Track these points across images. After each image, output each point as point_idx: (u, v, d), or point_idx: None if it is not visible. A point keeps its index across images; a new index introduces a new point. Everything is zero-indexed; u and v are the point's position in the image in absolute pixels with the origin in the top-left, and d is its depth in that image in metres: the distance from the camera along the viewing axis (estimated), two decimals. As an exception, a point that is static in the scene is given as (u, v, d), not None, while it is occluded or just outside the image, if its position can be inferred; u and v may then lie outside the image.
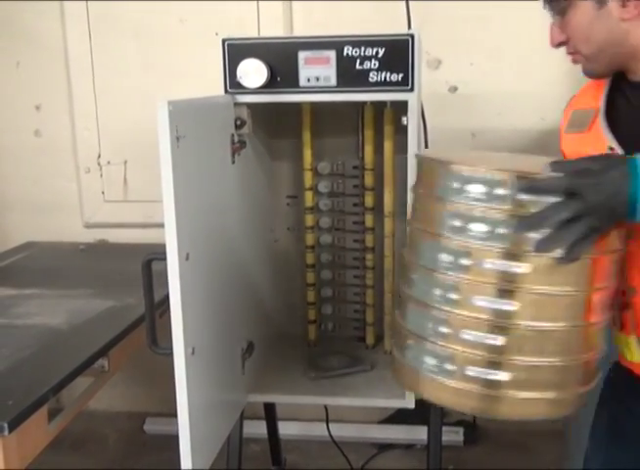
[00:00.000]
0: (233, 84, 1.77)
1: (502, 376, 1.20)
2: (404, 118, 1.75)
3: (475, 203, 1.15)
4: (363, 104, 2.01)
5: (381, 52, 1.71)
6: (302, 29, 2.76)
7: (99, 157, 3.00)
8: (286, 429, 2.70)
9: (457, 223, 1.18)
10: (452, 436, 2.89)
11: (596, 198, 1.02)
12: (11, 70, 3.00)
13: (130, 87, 2.91)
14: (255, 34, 2.72)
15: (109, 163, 2.99)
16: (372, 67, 1.73)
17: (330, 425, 2.47)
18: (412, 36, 1.71)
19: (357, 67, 1.73)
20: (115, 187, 3.01)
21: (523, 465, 2.73)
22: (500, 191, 1.12)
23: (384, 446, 2.91)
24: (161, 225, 1.36)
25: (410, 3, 2.53)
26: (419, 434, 2.77)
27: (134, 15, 2.85)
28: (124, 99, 2.92)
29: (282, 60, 1.74)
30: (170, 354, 1.47)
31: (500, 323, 1.18)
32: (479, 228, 1.14)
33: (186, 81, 2.82)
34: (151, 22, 2.85)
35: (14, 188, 3.10)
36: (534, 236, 1.06)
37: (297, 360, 2.10)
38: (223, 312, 1.69)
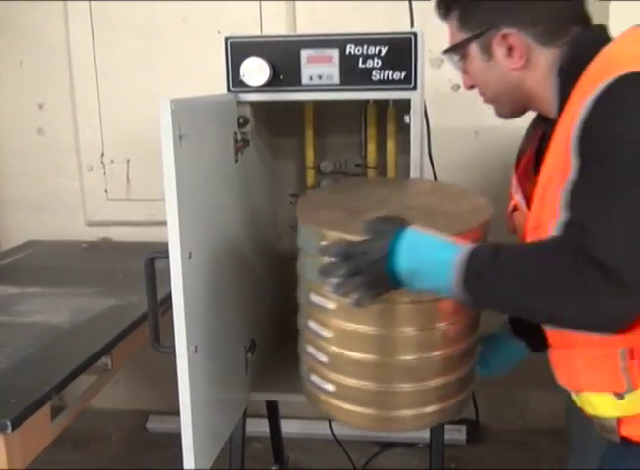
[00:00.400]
0: (236, 83, 1.77)
1: (329, 387, 1.49)
2: (407, 117, 1.75)
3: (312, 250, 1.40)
4: (366, 102, 2.01)
5: (383, 50, 1.71)
6: (305, 28, 2.76)
7: (102, 155, 3.00)
8: (288, 427, 2.70)
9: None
10: (455, 434, 2.89)
11: (361, 264, 1.18)
12: (14, 68, 3.00)
13: (133, 86, 2.91)
14: (258, 33, 2.72)
15: (112, 161, 2.99)
16: (375, 65, 1.73)
17: (332, 423, 2.47)
18: (415, 35, 1.71)
19: (360, 65, 1.73)
20: (118, 185, 3.01)
21: (525, 464, 2.73)
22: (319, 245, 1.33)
23: (386, 445, 2.91)
24: (164, 224, 1.37)
25: (413, 2, 2.53)
26: (421, 432, 2.76)
27: (137, 14, 2.85)
28: (127, 97, 2.92)
29: (284, 58, 1.74)
30: (173, 353, 1.47)
31: (322, 345, 1.48)
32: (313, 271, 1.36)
33: (189, 80, 2.83)
34: (154, 20, 2.85)
35: (17, 186, 3.10)
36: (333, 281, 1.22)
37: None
38: (226, 311, 1.70)
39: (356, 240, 1.22)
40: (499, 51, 1.27)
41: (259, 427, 2.56)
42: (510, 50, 1.26)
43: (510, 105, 1.36)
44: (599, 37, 1.24)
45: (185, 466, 1.48)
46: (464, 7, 1.31)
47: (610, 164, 1.05)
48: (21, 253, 2.82)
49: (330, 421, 2.44)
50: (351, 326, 1.41)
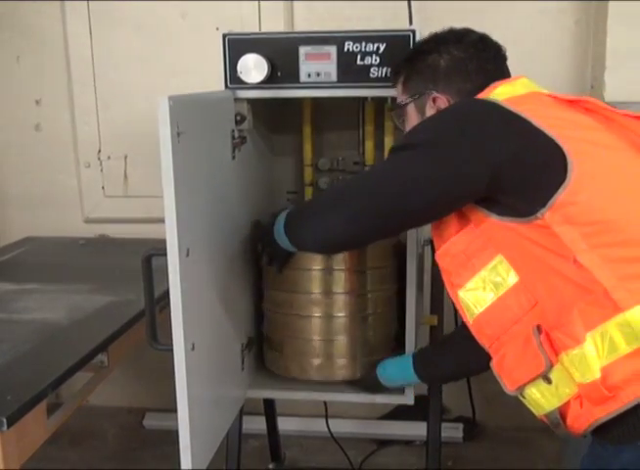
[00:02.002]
0: (233, 79, 1.77)
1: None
2: (405, 114, 1.74)
3: None
4: (364, 99, 2.00)
5: (382, 48, 1.71)
6: (303, 25, 2.75)
7: (99, 152, 2.99)
8: (285, 425, 2.70)
9: None
10: (451, 432, 2.89)
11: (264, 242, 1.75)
12: (11, 64, 2.99)
13: (130, 82, 2.90)
14: (256, 29, 2.72)
15: (109, 157, 2.99)
16: (373, 62, 1.72)
17: (329, 421, 2.47)
18: (413, 32, 1.71)
19: (358, 62, 1.73)
20: (116, 182, 3.01)
21: (522, 461, 2.74)
22: None
23: (383, 443, 2.91)
24: (162, 220, 1.36)
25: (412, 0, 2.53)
26: (418, 430, 2.76)
27: (135, 9, 2.84)
28: (125, 94, 2.92)
29: (282, 55, 1.74)
30: (170, 351, 1.46)
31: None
32: None
33: (187, 76, 2.82)
34: (151, 16, 2.84)
35: (14, 183, 3.10)
36: None
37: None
38: (223, 308, 1.69)
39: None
40: (430, 111, 1.52)
41: (256, 424, 2.56)
42: (434, 101, 1.52)
43: None
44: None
45: (182, 466, 1.48)
46: (407, 76, 1.57)
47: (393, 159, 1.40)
48: (18, 249, 2.81)
49: (327, 419, 2.44)
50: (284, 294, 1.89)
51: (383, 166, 1.45)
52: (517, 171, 1.28)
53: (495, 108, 1.32)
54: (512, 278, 1.32)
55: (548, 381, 1.29)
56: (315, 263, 1.86)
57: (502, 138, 1.29)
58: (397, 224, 1.43)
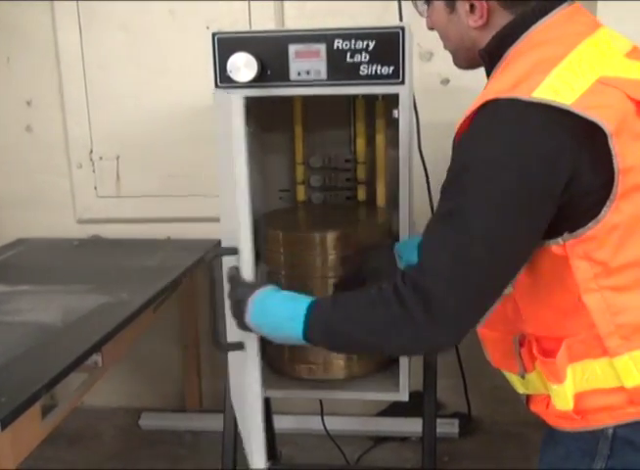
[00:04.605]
0: (223, 78, 1.76)
1: None
2: (395, 112, 1.75)
3: None
4: (354, 97, 2.01)
5: (371, 45, 1.71)
6: (294, 23, 2.75)
7: (91, 152, 2.98)
8: (281, 423, 2.70)
9: None
10: (447, 428, 2.89)
11: (233, 306, 1.33)
12: (1, 65, 2.98)
13: (121, 82, 2.89)
14: (247, 28, 2.71)
15: (101, 158, 2.98)
16: (363, 60, 1.72)
17: (325, 418, 2.47)
18: (403, 29, 1.71)
19: (348, 60, 1.73)
20: (108, 182, 3.00)
21: (518, 456, 2.74)
22: None
23: (379, 439, 2.91)
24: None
25: (401, -5, 2.53)
26: (414, 426, 2.76)
27: (124, 9, 2.83)
28: (116, 94, 2.91)
29: (272, 53, 1.74)
30: (238, 350, 1.45)
31: None
32: None
33: (177, 75, 2.82)
34: (141, 16, 2.83)
35: (5, 184, 3.08)
36: None
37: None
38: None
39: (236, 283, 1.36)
40: (462, 7, 1.26)
41: (252, 423, 2.55)
42: (472, 8, 1.25)
43: (466, 61, 1.36)
44: (538, 14, 1.21)
45: (257, 466, 1.52)
46: None
47: (452, 194, 1.13)
48: (10, 251, 2.81)
49: (322, 416, 2.44)
50: None
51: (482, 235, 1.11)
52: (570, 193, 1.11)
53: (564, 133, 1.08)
54: (508, 288, 1.21)
55: (522, 377, 1.31)
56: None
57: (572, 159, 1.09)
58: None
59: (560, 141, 1.08)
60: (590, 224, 1.11)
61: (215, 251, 1.48)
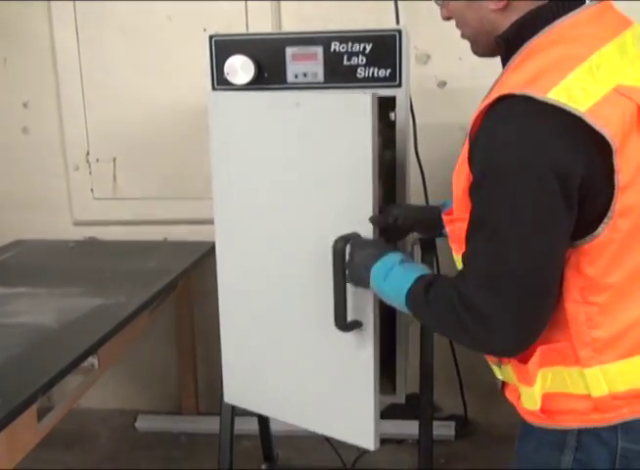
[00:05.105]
0: (220, 81, 1.77)
1: None
2: (392, 114, 1.75)
3: None
4: (351, 99, 2.00)
5: (368, 48, 1.71)
6: (291, 25, 2.75)
7: (87, 154, 2.98)
8: (277, 425, 2.69)
9: None
10: (443, 430, 2.89)
11: (350, 276, 1.46)
12: (-2, 67, 2.98)
13: (118, 84, 2.89)
14: (244, 31, 2.71)
15: (97, 160, 2.98)
16: (359, 62, 1.72)
17: (321, 421, 2.47)
18: (399, 32, 1.71)
19: (345, 62, 1.73)
20: (105, 184, 3.00)
21: (514, 459, 2.74)
22: None
23: (375, 441, 2.91)
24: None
25: (398, -1, 2.53)
26: (410, 429, 2.76)
27: (122, 12, 2.83)
28: (112, 96, 2.91)
29: (269, 56, 1.74)
30: (356, 328, 1.55)
31: None
32: None
33: (174, 78, 2.82)
34: (138, 18, 2.83)
35: (2, 186, 3.08)
36: None
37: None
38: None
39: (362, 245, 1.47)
40: (486, 4, 1.23)
41: (248, 425, 2.55)
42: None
43: (485, 46, 1.33)
44: (564, 9, 1.18)
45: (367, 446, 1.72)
46: None
47: (478, 200, 1.13)
48: (7, 253, 2.81)
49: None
50: None
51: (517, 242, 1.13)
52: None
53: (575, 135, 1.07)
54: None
55: (499, 366, 1.33)
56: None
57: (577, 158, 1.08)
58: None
59: (575, 145, 1.07)
60: (587, 238, 1.11)
61: (344, 237, 1.49)
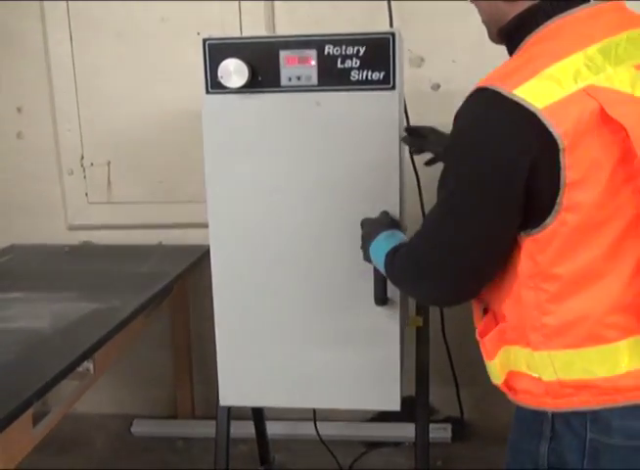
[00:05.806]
0: (214, 84, 1.76)
1: None
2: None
3: None
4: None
5: (362, 50, 1.71)
6: (285, 29, 2.75)
7: (82, 158, 2.98)
8: (274, 429, 2.69)
9: None
10: (440, 433, 2.90)
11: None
12: (-9, 72, 2.98)
13: (112, 88, 2.89)
14: (237, 34, 2.71)
15: (92, 164, 2.98)
16: (353, 65, 1.72)
17: (318, 424, 2.47)
18: (393, 34, 1.71)
19: (338, 65, 1.73)
20: (99, 189, 2.99)
21: (510, 460, 2.74)
22: None
23: (372, 445, 2.91)
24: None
25: (392, 1, 2.53)
26: (407, 431, 2.76)
27: (115, 15, 2.83)
28: (107, 100, 2.91)
29: (263, 59, 1.73)
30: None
31: None
32: None
33: (168, 81, 2.82)
34: (132, 22, 2.83)
35: (-4, 191, 3.08)
36: None
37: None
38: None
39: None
40: None
41: (245, 429, 2.55)
42: None
43: (494, 36, 1.36)
44: (563, 6, 1.20)
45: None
46: None
47: (443, 171, 1.24)
48: (1, 258, 2.80)
49: (315, 422, 2.44)
50: None
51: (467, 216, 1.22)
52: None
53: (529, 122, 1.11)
54: None
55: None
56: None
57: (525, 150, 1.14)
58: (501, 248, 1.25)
59: (527, 140, 1.12)
60: (538, 228, 1.17)
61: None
